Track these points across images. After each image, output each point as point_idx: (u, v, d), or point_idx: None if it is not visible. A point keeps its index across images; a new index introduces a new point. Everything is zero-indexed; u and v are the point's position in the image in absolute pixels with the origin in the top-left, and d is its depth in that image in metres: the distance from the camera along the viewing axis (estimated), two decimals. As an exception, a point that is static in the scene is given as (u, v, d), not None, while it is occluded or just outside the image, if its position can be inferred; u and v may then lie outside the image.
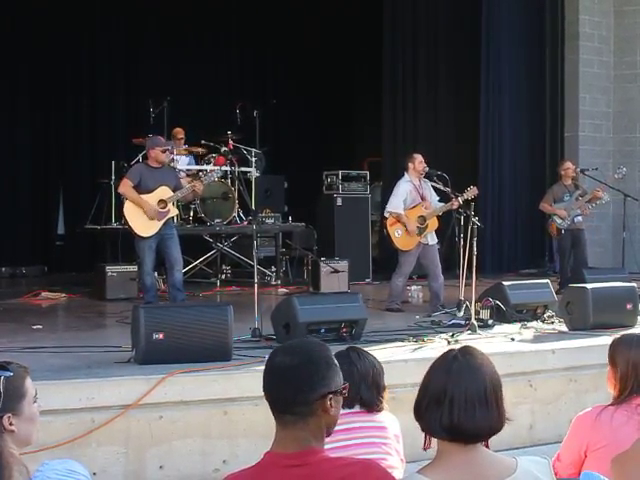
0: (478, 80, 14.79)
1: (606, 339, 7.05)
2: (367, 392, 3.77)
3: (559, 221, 12.13)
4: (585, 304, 8.48)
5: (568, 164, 12.54)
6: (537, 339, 8.14)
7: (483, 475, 2.47)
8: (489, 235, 14.58)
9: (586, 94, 15.32)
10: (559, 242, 12.57)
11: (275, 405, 2.54)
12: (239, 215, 12.74)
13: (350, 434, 3.66)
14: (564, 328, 8.62)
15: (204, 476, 6.06)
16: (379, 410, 3.82)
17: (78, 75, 15.93)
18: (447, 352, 2.65)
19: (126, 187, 9.81)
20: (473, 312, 8.47)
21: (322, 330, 7.70)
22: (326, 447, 2.64)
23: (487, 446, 2.56)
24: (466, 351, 2.63)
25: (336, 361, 2.61)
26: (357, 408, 3.76)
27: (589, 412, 3.81)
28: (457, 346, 7.44)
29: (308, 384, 2.50)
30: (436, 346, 7.57)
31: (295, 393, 2.49)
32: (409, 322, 9.15)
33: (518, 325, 8.71)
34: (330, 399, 2.52)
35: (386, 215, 10.54)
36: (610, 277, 10.18)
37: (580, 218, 12.15)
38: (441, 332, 8.28)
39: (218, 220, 12.45)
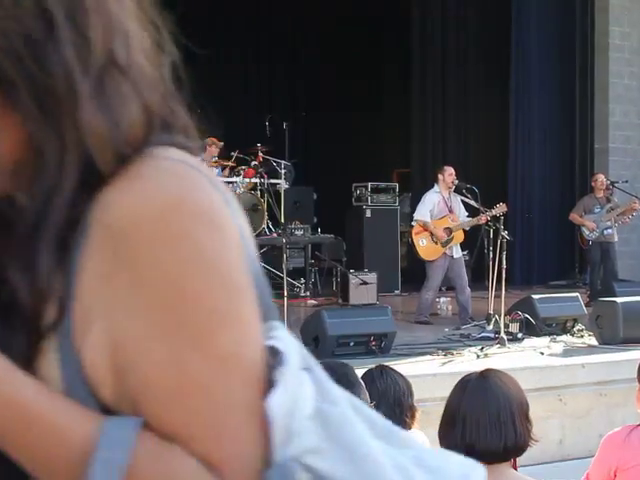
0: (507, 94, 14.80)
1: (636, 353, 7.07)
2: (387, 410, 3.76)
3: (587, 232, 12.13)
4: (615, 318, 8.45)
5: (600, 176, 12.55)
6: (567, 353, 8.13)
7: (511, 498, 2.49)
8: (518, 247, 14.54)
9: (616, 105, 15.26)
10: (587, 254, 12.56)
11: None
12: (268, 227, 12.77)
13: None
14: (594, 342, 8.59)
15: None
16: (406, 429, 3.81)
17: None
18: (468, 374, 2.68)
19: None
20: (502, 325, 8.47)
21: (351, 343, 7.71)
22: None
23: (515, 467, 2.57)
24: (485, 373, 2.67)
25: (359, 380, 2.64)
26: None
27: (619, 432, 3.80)
28: (486, 361, 7.41)
29: None
30: (465, 359, 7.58)
31: None
32: (438, 335, 9.16)
33: (547, 339, 8.70)
34: None
35: (413, 224, 10.60)
36: (641, 290, 10.13)
37: (610, 231, 12.11)
38: (470, 345, 8.28)
39: (247, 232, 12.47)
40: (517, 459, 2.64)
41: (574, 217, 12.35)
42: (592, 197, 12.43)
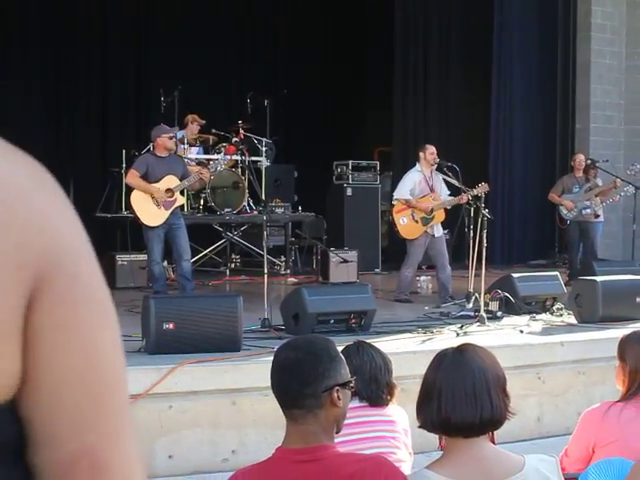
0: (490, 71, 14.78)
1: (615, 332, 7.08)
2: (363, 386, 3.77)
3: (564, 212, 12.22)
4: (594, 297, 8.49)
5: (579, 156, 12.62)
6: (546, 331, 8.16)
7: (490, 472, 2.50)
8: (499, 226, 14.59)
9: (597, 85, 15.27)
10: (565, 233, 12.63)
11: (283, 400, 2.59)
12: (249, 204, 12.74)
13: (357, 428, 3.67)
14: (573, 320, 8.63)
15: (213, 466, 6.09)
16: (384, 405, 3.82)
17: (90, 63, 15.97)
18: (444, 349, 2.69)
19: (133, 177, 9.83)
20: (482, 304, 8.49)
21: (331, 321, 7.72)
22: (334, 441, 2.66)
23: (493, 441, 2.58)
24: (460, 348, 2.68)
25: (340, 354, 2.65)
26: (356, 402, 3.77)
27: (597, 408, 3.82)
28: (465, 339, 7.46)
29: (312, 376, 2.55)
30: (445, 337, 7.60)
31: (301, 386, 2.54)
32: (418, 313, 9.17)
33: (527, 317, 8.72)
34: (337, 391, 2.57)
35: (393, 202, 10.59)
36: (620, 270, 10.17)
37: (589, 210, 12.17)
38: (450, 324, 8.31)
39: (228, 209, 12.45)
40: (495, 434, 2.64)
41: (552, 196, 12.41)
42: (571, 177, 12.48)
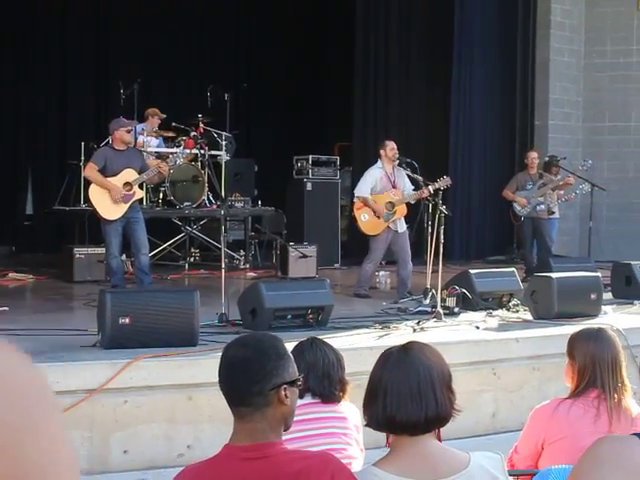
0: (450, 66, 14.83)
1: (570, 328, 7.13)
2: (316, 382, 3.79)
3: (518, 208, 12.35)
4: (550, 293, 8.56)
5: (533, 154, 12.75)
6: (502, 327, 8.21)
7: (435, 469, 2.52)
8: (458, 222, 14.67)
9: (556, 83, 15.40)
10: (519, 230, 12.75)
11: (231, 398, 2.59)
12: (209, 198, 12.72)
13: (309, 424, 3.69)
14: (529, 317, 8.69)
15: (168, 461, 6.07)
16: (336, 401, 3.84)
17: (47, 55, 15.85)
18: (388, 348, 2.70)
19: (91, 171, 9.78)
20: (439, 300, 8.53)
21: (289, 316, 7.73)
22: (285, 438, 2.67)
23: (439, 439, 2.60)
24: (407, 345, 2.69)
25: (288, 352, 2.66)
26: (309, 398, 3.79)
27: (546, 405, 3.86)
28: (422, 335, 7.47)
29: (261, 374, 2.55)
30: (402, 333, 7.63)
31: (249, 384, 2.55)
32: (376, 309, 9.19)
33: (484, 313, 8.77)
34: (285, 389, 2.57)
35: (354, 200, 10.61)
36: (576, 266, 10.29)
37: (542, 207, 12.29)
38: (407, 319, 8.33)
39: (187, 203, 12.42)
40: (442, 430, 2.66)
41: (506, 193, 12.53)
42: (525, 174, 12.61)
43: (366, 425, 2.66)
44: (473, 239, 15.15)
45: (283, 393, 2.56)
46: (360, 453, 3.78)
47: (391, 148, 10.43)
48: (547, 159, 13.08)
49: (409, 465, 2.51)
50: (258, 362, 2.57)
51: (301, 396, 3.73)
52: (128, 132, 9.92)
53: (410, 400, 2.54)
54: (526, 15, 15.20)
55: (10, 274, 11.44)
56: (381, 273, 11.45)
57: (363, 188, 10.49)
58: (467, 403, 7.07)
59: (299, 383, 2.64)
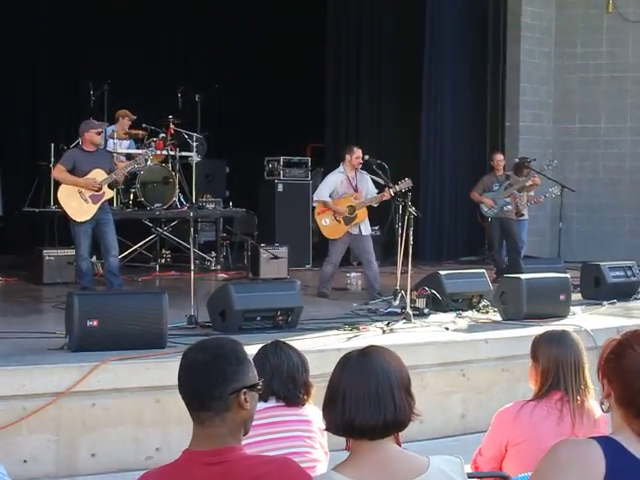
0: (421, 66, 14.84)
1: (538, 329, 7.17)
2: (280, 385, 3.79)
3: (485, 209, 12.43)
4: (519, 294, 8.60)
5: (499, 156, 12.84)
6: (471, 329, 8.23)
7: (394, 472, 2.52)
8: (429, 222, 14.71)
9: (527, 84, 15.47)
10: (487, 230, 12.79)
11: (191, 402, 2.58)
12: (179, 200, 12.68)
13: (273, 428, 3.69)
14: (498, 318, 8.72)
15: (136, 463, 6.05)
16: (301, 404, 3.84)
17: (17, 56, 15.76)
18: (349, 352, 2.69)
19: (59, 172, 9.73)
20: (409, 301, 8.53)
21: (258, 318, 7.73)
22: (249, 441, 2.67)
23: (399, 443, 2.60)
24: (366, 350, 2.68)
25: (249, 357, 2.65)
26: (273, 402, 3.79)
27: (510, 407, 3.88)
28: (391, 337, 7.45)
29: (221, 378, 2.53)
30: (371, 334, 7.64)
31: (208, 388, 2.53)
32: (346, 310, 9.19)
33: (453, 314, 8.80)
34: (244, 394, 2.56)
35: (313, 204, 10.66)
36: (547, 267, 10.34)
37: (510, 207, 12.36)
38: (377, 320, 8.34)
39: (158, 204, 12.37)
40: (411, 431, 2.66)
41: (473, 195, 12.61)
42: (492, 175, 12.68)
43: (325, 429, 2.65)
44: (445, 240, 15.17)
45: (243, 397, 2.55)
46: (324, 456, 3.78)
47: (357, 157, 10.42)
48: (517, 161, 13.13)
49: (368, 469, 2.50)
50: (218, 366, 2.55)
51: (265, 399, 3.73)
52: (98, 134, 9.87)
53: (368, 404, 2.53)
54: (497, 17, 15.25)
55: (-21, 276, 11.36)
56: (352, 274, 11.46)
57: (322, 192, 10.56)
58: (436, 404, 7.13)
59: (259, 387, 2.63)
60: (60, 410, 5.96)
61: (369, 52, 15.34)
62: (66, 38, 16.31)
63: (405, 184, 9.91)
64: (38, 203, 12.86)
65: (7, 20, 15.40)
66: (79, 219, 9.55)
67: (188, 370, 2.60)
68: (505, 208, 12.32)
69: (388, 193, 10.00)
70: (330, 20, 15.19)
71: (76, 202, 9.54)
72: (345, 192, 10.45)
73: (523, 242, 12.76)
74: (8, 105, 15.61)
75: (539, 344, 3.92)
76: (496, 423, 3.88)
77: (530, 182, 12.47)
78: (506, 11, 15.27)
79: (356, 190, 10.44)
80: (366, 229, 10.54)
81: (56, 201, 10.38)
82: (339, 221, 10.38)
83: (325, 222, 10.48)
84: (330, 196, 10.48)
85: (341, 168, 10.56)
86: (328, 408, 2.61)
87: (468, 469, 3.64)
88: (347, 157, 10.48)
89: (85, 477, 5.99)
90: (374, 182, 10.54)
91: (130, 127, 12.92)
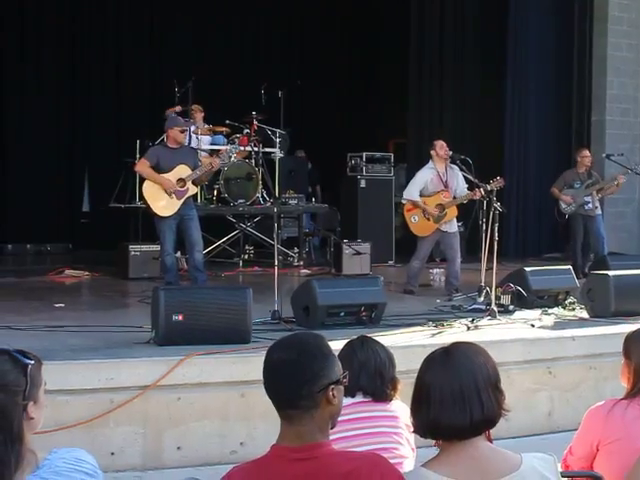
0: (504, 63, 14.71)
1: (627, 327, 7.04)
2: (368, 381, 3.77)
3: (563, 206, 12.25)
4: (607, 291, 8.43)
5: (586, 152, 12.57)
6: (557, 325, 8.11)
7: (487, 470, 2.47)
8: (513, 219, 14.56)
9: (614, 78, 15.18)
10: (569, 226, 12.54)
11: (279, 401, 2.55)
12: (262, 196, 12.74)
13: (360, 423, 3.67)
14: (585, 315, 8.57)
15: (221, 458, 6.08)
16: (388, 399, 3.82)
17: (104, 55, 16.04)
18: (434, 350, 2.64)
19: (142, 166, 9.85)
20: (493, 297, 8.45)
21: (341, 313, 7.72)
22: (336, 436, 2.63)
23: (490, 440, 2.55)
24: (449, 348, 2.63)
25: (333, 351, 2.61)
26: (360, 397, 3.77)
27: (601, 406, 3.78)
28: (476, 333, 7.36)
29: (308, 377, 2.50)
30: (455, 331, 7.58)
31: (298, 387, 2.49)
32: (429, 306, 9.13)
33: (539, 311, 8.67)
34: (332, 389, 2.52)
35: (403, 202, 10.60)
36: (634, 264, 10.10)
37: (590, 206, 12.15)
38: (461, 317, 8.26)
39: (241, 200, 12.45)
40: (496, 429, 2.60)
41: (553, 191, 12.43)
42: (573, 172, 12.48)
43: (414, 432, 2.60)
44: (529, 236, 15.00)
45: (331, 393, 2.52)
46: (411, 452, 3.75)
47: (440, 146, 10.38)
48: (604, 156, 12.92)
49: (459, 466, 2.46)
50: (304, 364, 2.51)
51: (352, 395, 3.72)
52: (182, 132, 9.96)
53: (453, 405, 2.48)
54: (583, 9, 15.02)
55: (67, 271, 11.56)
56: (435, 271, 11.41)
57: (411, 190, 10.49)
58: (522, 402, 7.04)
59: (344, 380, 2.59)
60: (146, 403, 6.01)
61: (452, 48, 15.24)
62: (151, 36, 16.52)
63: (497, 183, 9.71)
64: (124, 199, 13.04)
65: (93, 22, 15.68)
66: (163, 214, 9.64)
67: (274, 370, 2.57)
68: (586, 207, 12.14)
69: (479, 192, 9.84)
70: (413, 12, 15.10)
71: (160, 197, 9.63)
72: (436, 188, 10.37)
73: (603, 237, 12.52)
74: (95, 104, 15.86)
75: (632, 341, 3.81)
76: (587, 422, 3.79)
77: (616, 184, 12.24)
78: (592, 3, 15.02)
79: (446, 186, 10.36)
80: (452, 227, 10.49)
81: (141, 197, 10.50)
82: (428, 219, 10.32)
83: (414, 219, 10.42)
84: (420, 193, 10.42)
85: (431, 164, 10.49)
86: (415, 407, 2.57)
87: (559, 468, 3.57)
88: (433, 152, 10.43)
89: (171, 470, 6.03)
90: (465, 178, 10.43)
91: (214, 123, 13.02)
